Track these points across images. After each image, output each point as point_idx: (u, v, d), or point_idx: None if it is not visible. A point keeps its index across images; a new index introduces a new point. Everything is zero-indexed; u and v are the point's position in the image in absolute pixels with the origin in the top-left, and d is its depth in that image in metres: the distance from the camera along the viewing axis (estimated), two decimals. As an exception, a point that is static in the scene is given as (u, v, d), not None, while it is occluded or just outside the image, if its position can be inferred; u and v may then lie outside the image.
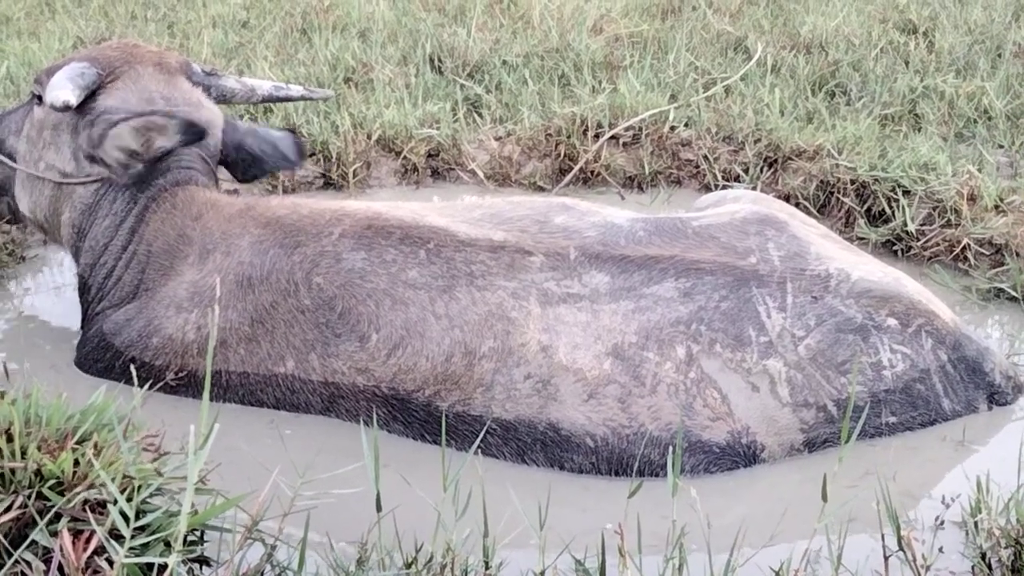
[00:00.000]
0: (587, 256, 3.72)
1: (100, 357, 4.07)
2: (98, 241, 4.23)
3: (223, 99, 4.62)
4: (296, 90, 4.93)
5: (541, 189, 6.09)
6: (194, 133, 4.11)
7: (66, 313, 4.67)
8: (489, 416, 3.55)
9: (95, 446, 2.57)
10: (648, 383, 3.50)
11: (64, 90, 3.98)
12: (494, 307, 3.64)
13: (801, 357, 3.58)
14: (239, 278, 3.88)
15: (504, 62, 7.03)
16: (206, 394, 2.30)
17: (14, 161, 4.43)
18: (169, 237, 4.11)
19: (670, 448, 3.35)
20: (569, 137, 6.17)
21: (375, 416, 3.65)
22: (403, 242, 3.80)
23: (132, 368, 3.86)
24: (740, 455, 3.51)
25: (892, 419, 3.68)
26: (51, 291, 4.98)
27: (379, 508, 2.62)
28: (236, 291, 3.87)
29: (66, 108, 3.99)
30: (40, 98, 4.23)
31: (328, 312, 3.75)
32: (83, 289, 4.33)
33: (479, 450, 3.41)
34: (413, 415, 3.67)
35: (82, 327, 4.32)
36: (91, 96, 4.14)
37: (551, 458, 3.54)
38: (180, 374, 3.88)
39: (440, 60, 7.10)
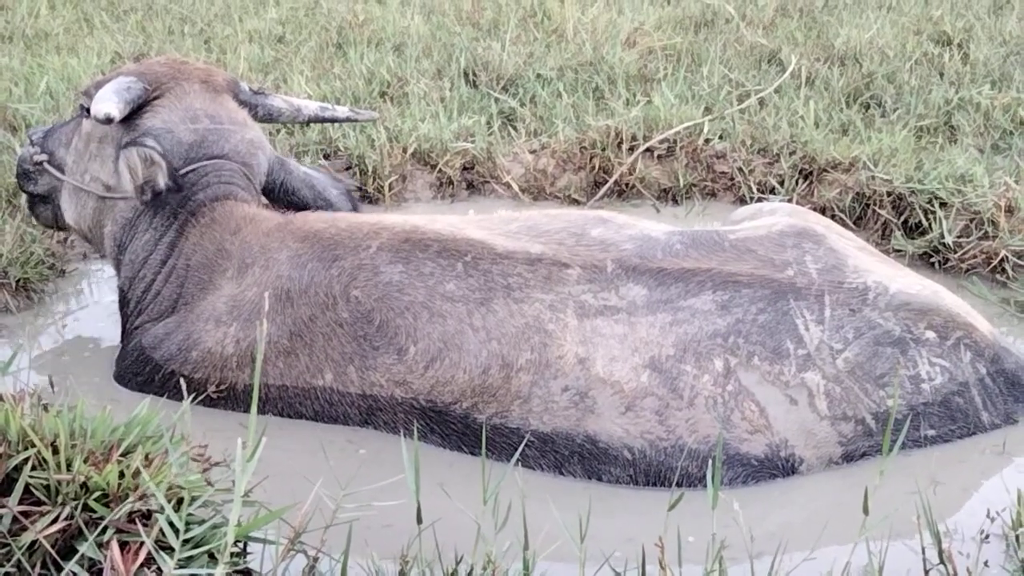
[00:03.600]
0: (624, 269, 3.72)
1: (139, 371, 4.10)
2: (138, 255, 4.27)
3: (269, 118, 4.66)
4: (342, 111, 4.96)
5: (576, 202, 6.10)
6: (176, 185, 4.12)
7: (106, 327, 4.72)
8: (527, 428, 3.56)
9: (146, 457, 2.60)
10: (686, 396, 3.50)
11: (108, 103, 4.02)
12: (531, 319, 3.64)
13: (839, 370, 3.57)
14: (277, 292, 3.90)
15: (538, 75, 7.06)
16: (254, 407, 2.31)
17: (62, 172, 4.49)
18: (208, 251, 4.15)
19: (709, 460, 3.34)
20: (604, 150, 6.18)
21: (412, 428, 3.66)
22: (440, 255, 3.82)
23: (171, 382, 3.93)
24: (778, 468, 3.50)
25: (931, 432, 3.66)
26: (91, 305, 5.03)
27: (420, 520, 2.63)
28: (275, 305, 3.88)
29: (109, 121, 4.03)
30: (88, 111, 4.26)
31: (366, 325, 3.77)
32: (123, 303, 4.37)
33: (516, 462, 3.42)
34: (450, 427, 3.68)
35: (122, 341, 4.36)
36: (137, 111, 4.19)
37: (589, 470, 3.54)
38: (220, 387, 3.91)
39: (474, 74, 7.14)
